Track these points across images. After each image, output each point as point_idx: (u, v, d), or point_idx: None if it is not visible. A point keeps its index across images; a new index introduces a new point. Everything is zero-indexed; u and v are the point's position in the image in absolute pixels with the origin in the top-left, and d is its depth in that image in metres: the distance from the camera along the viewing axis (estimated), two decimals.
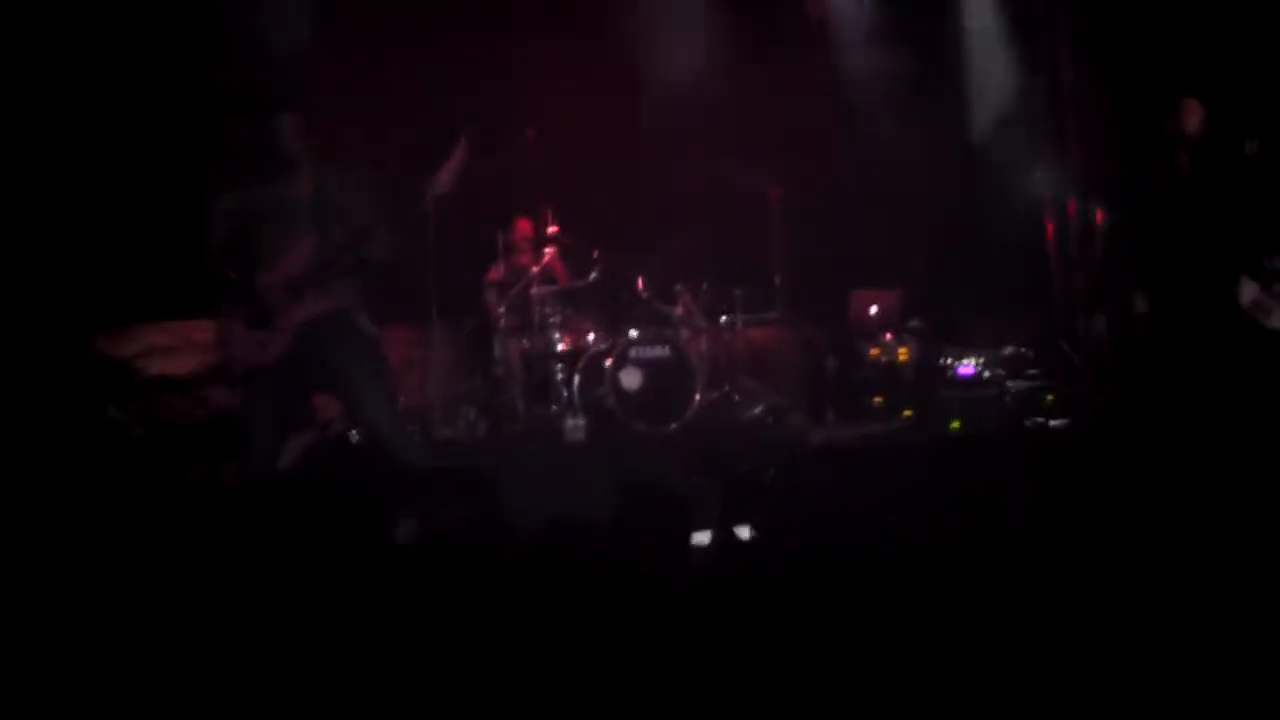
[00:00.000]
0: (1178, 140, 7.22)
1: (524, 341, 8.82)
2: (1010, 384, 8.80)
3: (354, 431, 7.77)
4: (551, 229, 8.95)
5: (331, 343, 5.92)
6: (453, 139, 6.32)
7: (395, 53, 9.11)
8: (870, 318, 9.47)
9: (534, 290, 8.80)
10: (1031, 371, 8.98)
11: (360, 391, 6.01)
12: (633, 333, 8.55)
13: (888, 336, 9.23)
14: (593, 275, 8.83)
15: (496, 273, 9.08)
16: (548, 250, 8.96)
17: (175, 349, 8.55)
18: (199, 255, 6.05)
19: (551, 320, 8.76)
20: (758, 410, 8.94)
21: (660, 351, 8.46)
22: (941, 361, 8.96)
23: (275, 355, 5.86)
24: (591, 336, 8.69)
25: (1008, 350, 9.07)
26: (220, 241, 5.95)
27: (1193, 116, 7.21)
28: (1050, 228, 9.65)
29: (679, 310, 8.91)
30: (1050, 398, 8.68)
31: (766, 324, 9.43)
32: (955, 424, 8.51)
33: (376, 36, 9.13)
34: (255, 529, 4.73)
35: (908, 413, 8.85)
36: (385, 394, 6.14)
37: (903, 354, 9.13)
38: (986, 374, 8.83)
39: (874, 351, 9.22)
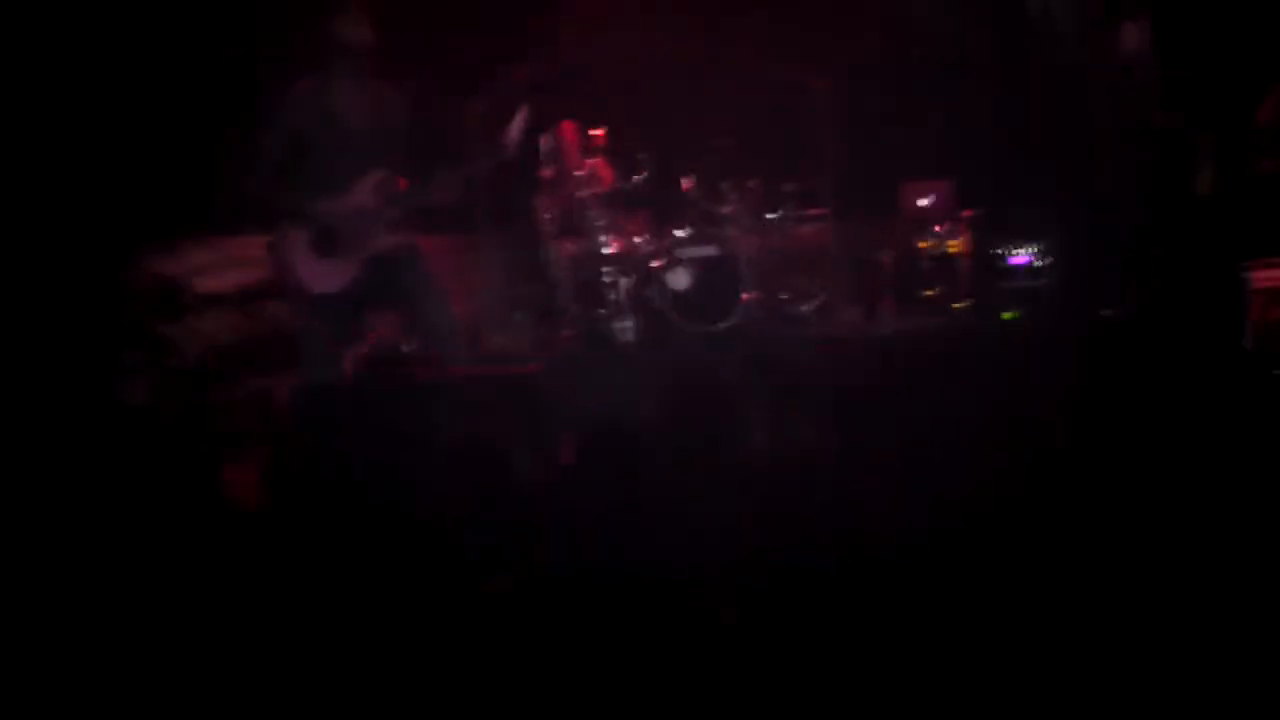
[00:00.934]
0: None
1: (572, 244, 8.80)
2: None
3: (404, 345, 7.82)
4: (597, 131, 8.89)
5: (399, 273, 5.98)
6: (507, 89, 6.27)
7: None
8: (921, 209, 9.37)
9: (580, 193, 8.76)
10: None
11: (423, 310, 6.05)
12: (680, 233, 8.51)
13: (939, 228, 9.13)
14: (639, 176, 8.77)
15: (544, 176, 9.03)
16: (594, 153, 8.90)
17: (224, 265, 8.58)
18: (250, 171, 6.01)
19: (599, 223, 8.72)
20: (809, 307, 8.89)
21: (709, 251, 8.41)
22: (995, 252, 8.87)
23: (343, 284, 5.90)
24: (639, 238, 8.65)
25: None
26: (276, 160, 5.93)
27: None
28: None
29: (727, 209, 8.84)
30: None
31: (816, 220, 9.36)
32: (1009, 314, 8.44)
33: None
34: (311, 437, 4.78)
35: (960, 304, 8.78)
36: (446, 308, 6.18)
37: (954, 245, 9.05)
38: (1040, 263, 8.74)
39: (925, 243, 9.13)
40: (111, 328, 7.78)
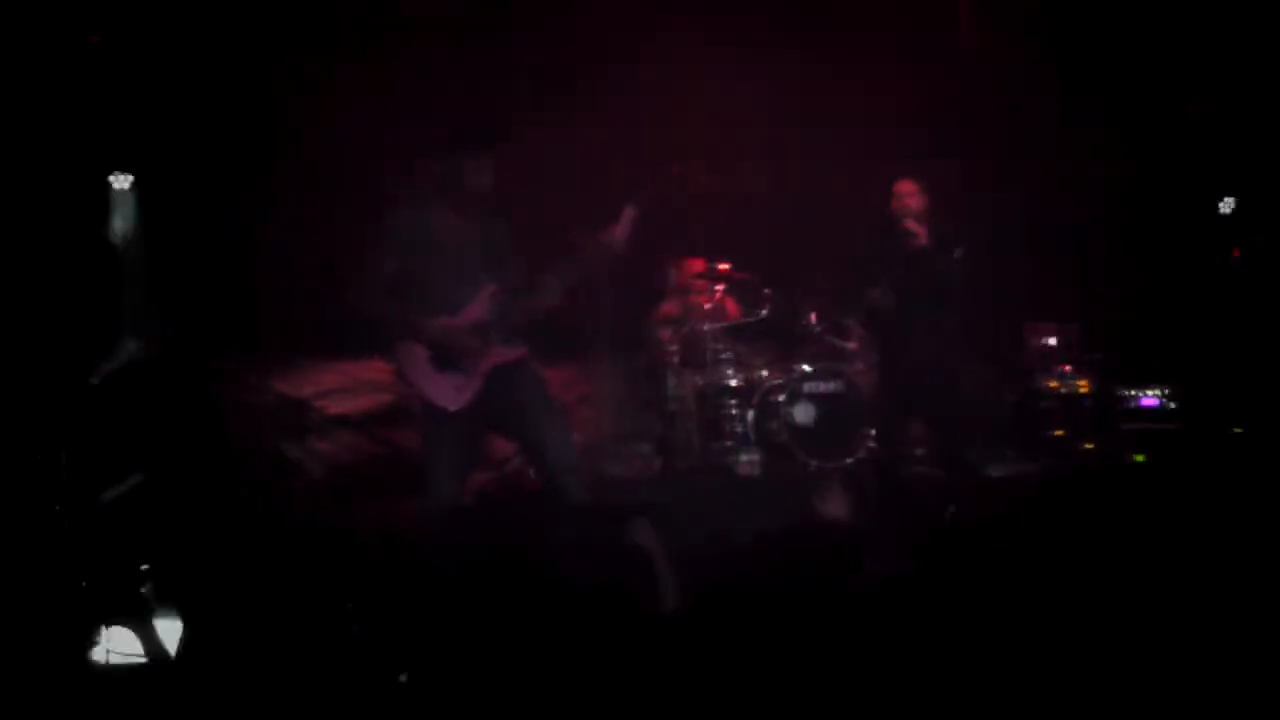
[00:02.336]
0: None
1: (696, 377, 8.82)
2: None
3: (531, 471, 7.85)
4: (722, 265, 8.95)
5: (516, 386, 6.03)
6: (616, 195, 6.34)
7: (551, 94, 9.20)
8: (1047, 350, 9.29)
9: (706, 326, 8.81)
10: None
11: (542, 431, 6.08)
12: (805, 367, 8.50)
13: (1066, 368, 9.05)
14: (764, 310, 8.81)
15: (668, 309, 9.10)
16: (719, 286, 8.96)
17: (349, 388, 8.74)
18: (363, 290, 6.13)
19: (723, 355, 8.76)
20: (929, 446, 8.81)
21: (833, 386, 8.40)
22: (1123, 393, 8.77)
23: (469, 398, 5.97)
24: (764, 372, 8.66)
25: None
26: (383, 278, 6.04)
27: None
28: (1236, 253, 9.38)
29: (851, 344, 8.83)
30: (1237, 430, 8.44)
31: None
32: (1139, 457, 8.31)
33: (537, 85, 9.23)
34: (437, 565, 4.80)
35: (1088, 445, 8.66)
36: (566, 434, 6.20)
37: (1082, 386, 8.95)
38: (1171, 405, 8.61)
39: (1052, 384, 9.05)
40: (237, 447, 7.91)
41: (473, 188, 6.03)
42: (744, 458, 8.21)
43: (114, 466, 6.13)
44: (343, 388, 8.70)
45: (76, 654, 4.38)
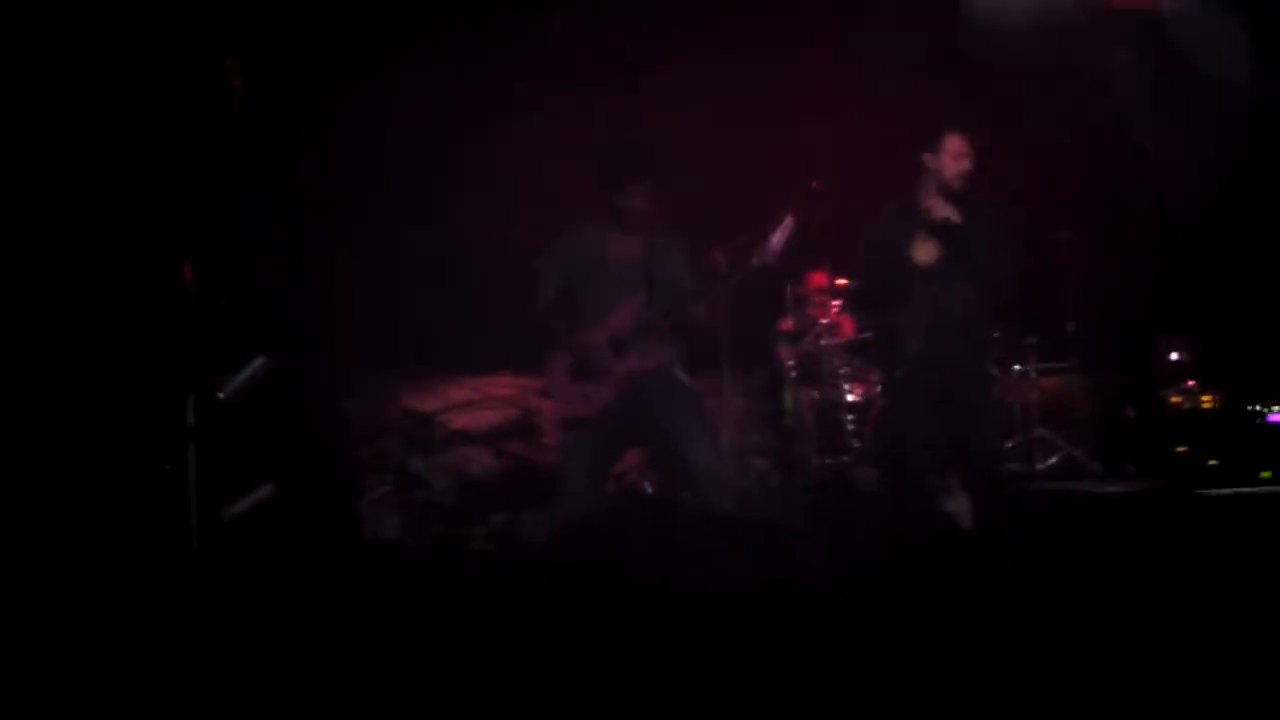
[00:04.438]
0: None
1: (814, 392, 8.85)
2: None
3: (648, 483, 7.93)
4: (841, 280, 8.97)
5: (654, 396, 6.14)
6: (754, 214, 6.41)
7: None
8: (1172, 364, 9.18)
9: (824, 341, 8.84)
10: None
11: (681, 442, 6.17)
12: None
13: (1190, 383, 8.93)
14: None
15: (787, 324, 9.14)
16: (837, 301, 8.98)
17: (476, 403, 8.87)
18: (528, 304, 6.33)
19: (842, 371, 8.77)
20: (1053, 460, 8.76)
21: None
22: (1250, 408, 8.63)
23: (599, 406, 6.10)
24: (881, 387, 8.65)
25: None
26: (550, 297, 6.24)
27: None
28: None
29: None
30: None
31: (1060, 372, 9.24)
32: (1265, 474, 8.17)
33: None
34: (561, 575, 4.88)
35: (1212, 461, 8.54)
36: (709, 446, 6.28)
37: (1207, 401, 8.83)
38: None
39: (1176, 399, 8.93)
40: (362, 459, 8.06)
41: (630, 213, 6.21)
42: (862, 473, 8.21)
43: (243, 480, 6.28)
44: (469, 402, 8.84)
45: (204, 664, 4.49)
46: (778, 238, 6.14)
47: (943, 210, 6.22)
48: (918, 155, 6.31)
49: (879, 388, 8.60)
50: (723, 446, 6.84)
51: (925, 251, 6.24)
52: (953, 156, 6.23)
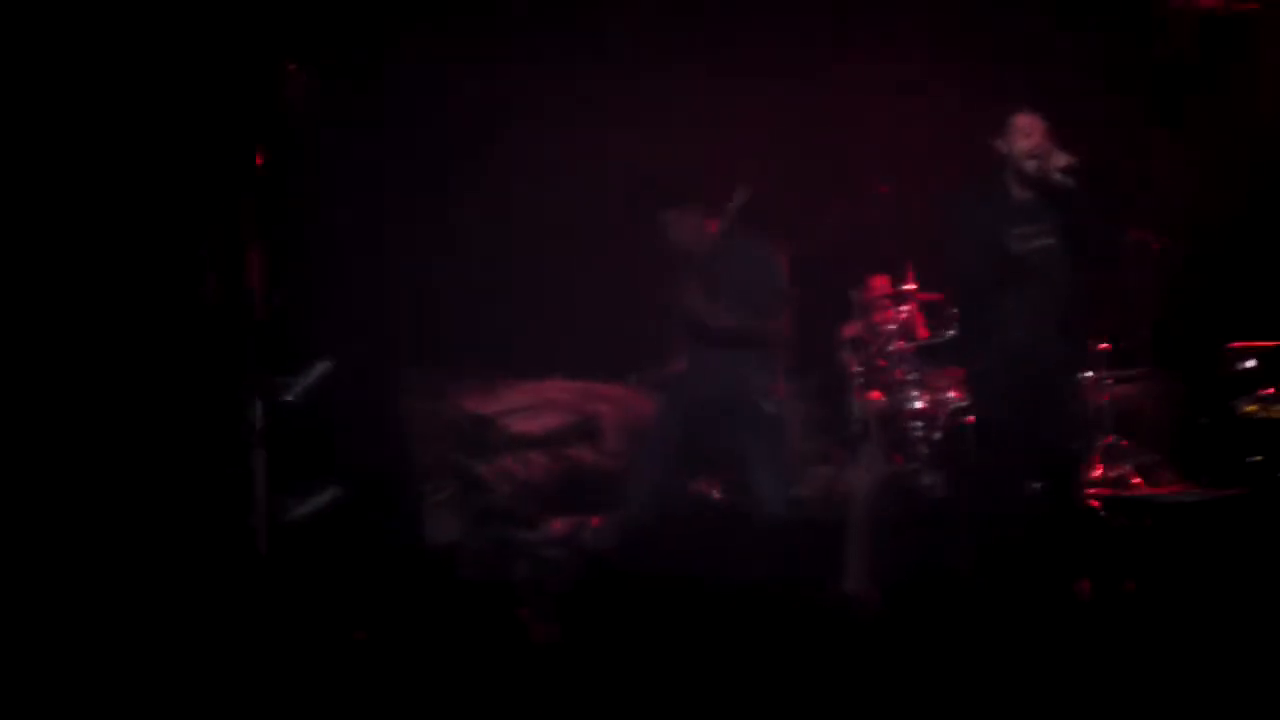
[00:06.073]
0: None
1: (879, 397, 8.76)
2: None
3: (715, 491, 7.88)
4: (909, 285, 8.88)
5: (739, 425, 6.24)
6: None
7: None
8: (1246, 372, 9.03)
9: (891, 347, 8.74)
10: None
11: (755, 472, 6.21)
12: None
13: (1267, 391, 8.79)
14: (951, 331, 8.69)
15: (852, 329, 9.05)
16: (905, 306, 8.89)
17: (536, 407, 8.84)
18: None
19: (909, 377, 8.68)
20: (1126, 468, 8.63)
21: None
22: None
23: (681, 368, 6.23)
24: (951, 393, 8.56)
25: None
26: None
27: None
28: None
29: None
30: None
31: (1134, 379, 9.11)
32: None
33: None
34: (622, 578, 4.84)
35: None
36: (779, 471, 6.32)
37: None
38: None
39: (1251, 407, 8.79)
40: (422, 463, 8.05)
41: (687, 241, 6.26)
42: (930, 479, 8.12)
43: (307, 482, 6.30)
44: (529, 406, 8.80)
45: (272, 665, 4.49)
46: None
47: (1055, 175, 5.93)
48: (987, 145, 6.13)
49: (951, 393, 8.50)
50: (790, 464, 6.85)
51: (1023, 237, 6.02)
52: (1024, 135, 6.01)
